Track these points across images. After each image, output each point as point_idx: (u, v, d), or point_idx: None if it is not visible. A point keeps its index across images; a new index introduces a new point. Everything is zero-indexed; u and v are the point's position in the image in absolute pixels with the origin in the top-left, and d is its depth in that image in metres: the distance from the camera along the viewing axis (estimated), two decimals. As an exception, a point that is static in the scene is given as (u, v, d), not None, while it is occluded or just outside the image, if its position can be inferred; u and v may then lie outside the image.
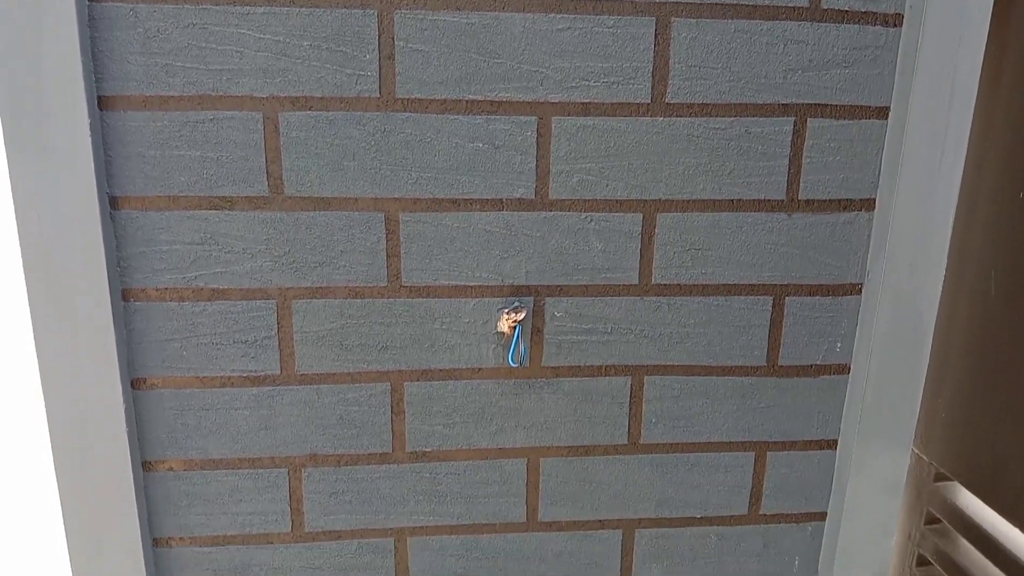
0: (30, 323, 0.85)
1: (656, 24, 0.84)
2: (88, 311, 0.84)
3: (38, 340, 0.85)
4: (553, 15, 0.83)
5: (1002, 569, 0.89)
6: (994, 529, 0.91)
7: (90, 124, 0.80)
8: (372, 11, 0.81)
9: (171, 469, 0.93)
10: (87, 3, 0.78)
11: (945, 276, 0.93)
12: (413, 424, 0.95)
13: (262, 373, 0.91)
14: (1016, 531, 0.89)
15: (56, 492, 0.90)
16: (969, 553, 0.95)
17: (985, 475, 0.89)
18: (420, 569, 1.00)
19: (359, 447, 0.95)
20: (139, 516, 0.92)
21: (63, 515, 0.92)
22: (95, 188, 0.81)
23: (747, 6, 0.85)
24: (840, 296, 0.95)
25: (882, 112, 0.89)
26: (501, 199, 0.87)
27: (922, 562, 1.02)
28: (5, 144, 0.79)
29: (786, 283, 0.94)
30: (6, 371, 1.02)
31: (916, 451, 1.00)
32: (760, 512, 1.02)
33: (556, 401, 0.96)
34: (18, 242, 0.83)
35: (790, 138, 0.89)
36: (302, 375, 0.91)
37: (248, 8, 0.80)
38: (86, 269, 0.84)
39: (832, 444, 1.01)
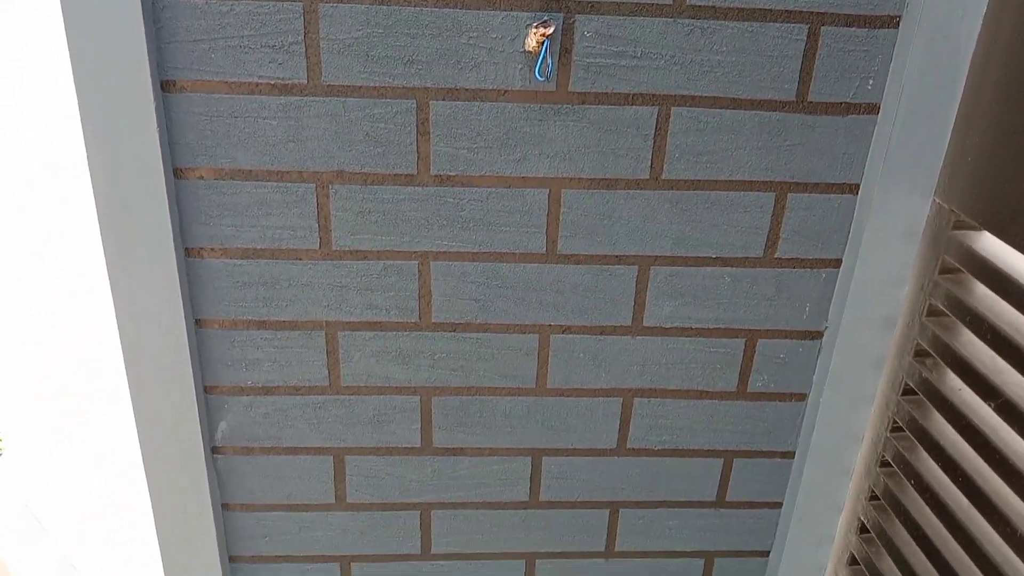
0: (61, 19, 0.85)
1: None
2: (117, 3, 0.84)
3: (70, 37, 0.85)
4: None
5: (1016, 307, 0.91)
6: (1013, 270, 0.92)
7: None
8: None
9: (202, 177, 0.95)
10: None
11: (986, 6, 0.90)
12: (438, 146, 0.96)
13: (289, 81, 0.91)
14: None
15: (92, 199, 0.93)
16: (983, 297, 0.97)
17: (1009, 215, 0.89)
18: (441, 294, 1.04)
19: (385, 167, 0.96)
20: (172, 224, 0.96)
21: (99, 221, 0.95)
22: None
23: None
24: (877, 28, 0.92)
25: None
26: (535, -101, 0.84)
27: (933, 312, 1.04)
28: None
29: (823, 11, 0.91)
30: (39, 69, 1.03)
31: (936, 200, 1.00)
32: (775, 256, 1.04)
33: (581, 130, 0.96)
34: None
35: None
36: (328, 86, 0.91)
37: None
38: (112, -42, 0.82)
39: (854, 188, 1.01)
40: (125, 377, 1.05)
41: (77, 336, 1.25)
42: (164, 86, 0.90)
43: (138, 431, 1.08)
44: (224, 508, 1.15)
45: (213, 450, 1.11)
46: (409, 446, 1.13)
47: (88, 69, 0.87)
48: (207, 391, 1.07)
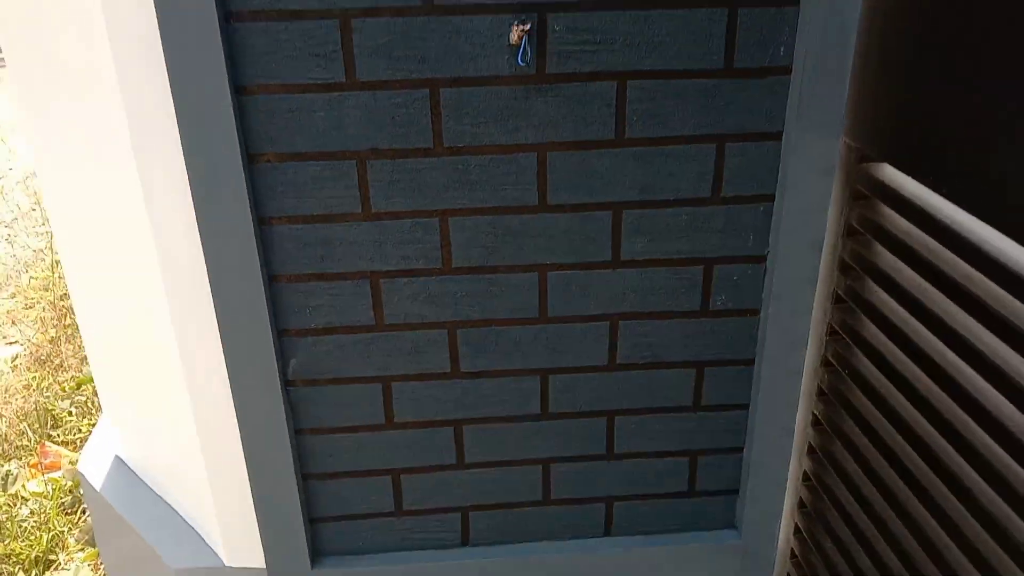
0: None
1: None
2: (203, 31, 1.13)
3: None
4: None
5: (912, 222, 1.16)
6: (911, 194, 1.17)
7: None
8: None
9: (269, 161, 1.24)
10: None
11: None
12: (448, 124, 1.24)
13: (331, 80, 1.20)
14: (925, 190, 1.16)
15: (185, 180, 1.22)
16: (889, 217, 1.23)
17: (903, 147, 1.15)
18: (460, 244, 1.31)
19: (408, 143, 1.24)
20: (248, 199, 1.24)
21: (194, 203, 1.24)
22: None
23: None
24: (781, 7, 1.19)
25: None
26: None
27: (851, 232, 1.29)
28: None
29: (737, -2, 1.18)
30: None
31: (846, 140, 1.26)
32: (721, 195, 1.31)
33: (558, 104, 1.23)
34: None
35: None
36: (363, 82, 1.20)
37: None
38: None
39: (777, 136, 1.28)
40: (217, 328, 1.33)
41: (170, 297, 1.50)
42: (239, 90, 1.19)
43: (228, 370, 1.36)
44: (298, 433, 1.43)
45: (286, 383, 1.39)
46: (442, 371, 1.40)
47: (180, 76, 1.16)
48: (280, 334, 1.35)
